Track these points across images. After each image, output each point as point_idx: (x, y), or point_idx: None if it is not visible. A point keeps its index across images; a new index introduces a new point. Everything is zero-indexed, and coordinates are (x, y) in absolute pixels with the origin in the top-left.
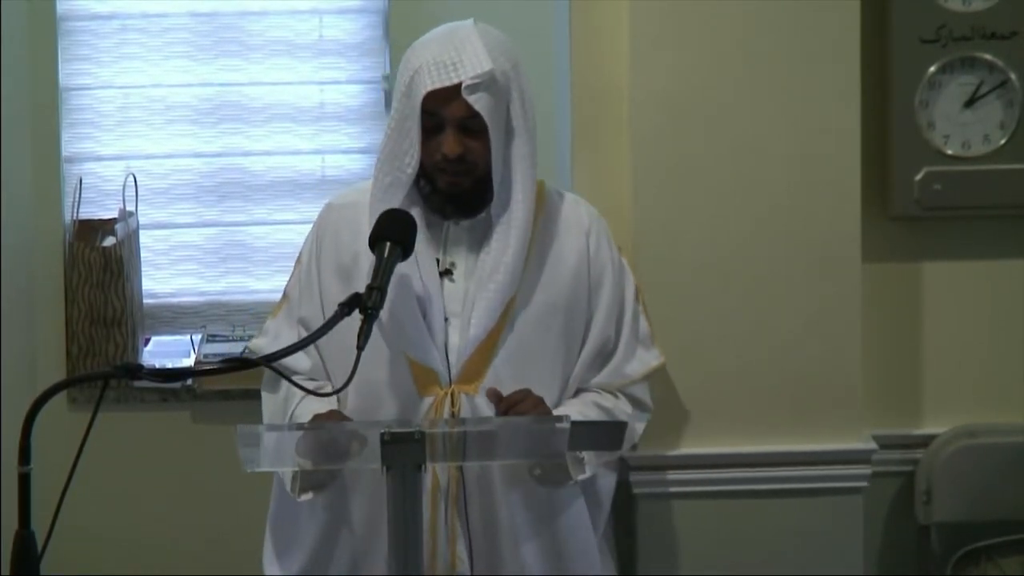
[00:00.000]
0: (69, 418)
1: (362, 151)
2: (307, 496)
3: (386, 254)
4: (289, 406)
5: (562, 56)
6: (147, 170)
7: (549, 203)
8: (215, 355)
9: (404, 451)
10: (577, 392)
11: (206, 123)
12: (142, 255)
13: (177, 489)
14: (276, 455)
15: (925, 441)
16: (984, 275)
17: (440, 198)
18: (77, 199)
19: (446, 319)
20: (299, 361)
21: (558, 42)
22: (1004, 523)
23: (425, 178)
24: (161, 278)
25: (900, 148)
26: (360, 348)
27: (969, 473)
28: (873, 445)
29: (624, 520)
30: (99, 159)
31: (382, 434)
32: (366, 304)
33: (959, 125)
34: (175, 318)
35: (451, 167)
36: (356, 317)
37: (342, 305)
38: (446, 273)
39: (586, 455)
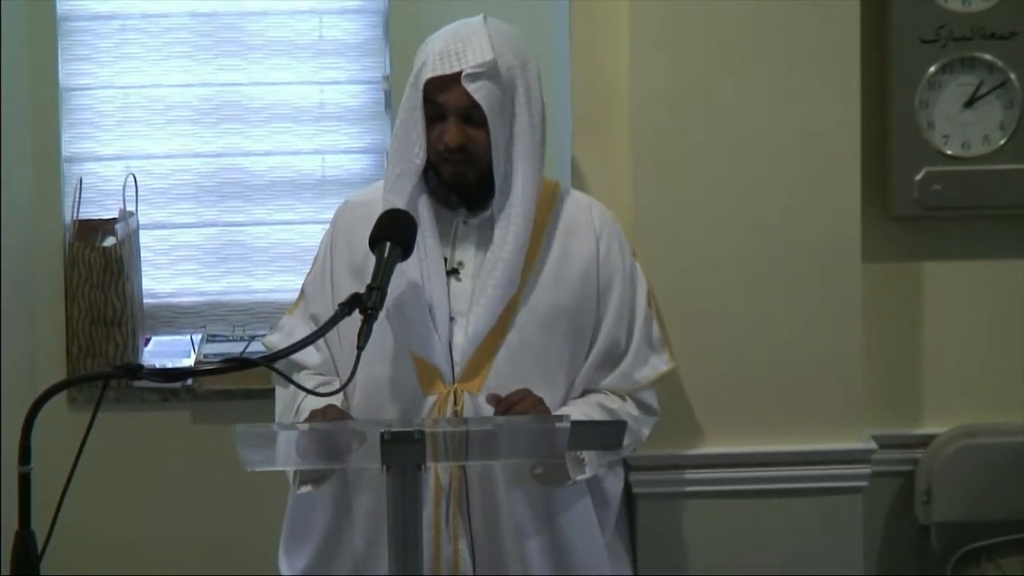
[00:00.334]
0: (69, 418)
1: (362, 151)
2: (306, 489)
3: (386, 254)
4: (297, 399)
5: (562, 56)
6: (147, 170)
7: (561, 204)
8: (215, 355)
9: (404, 450)
10: (584, 392)
11: (206, 123)
12: (142, 255)
13: (177, 489)
14: (277, 456)
15: (925, 441)
16: (984, 275)
17: (445, 189)
18: (77, 199)
19: (452, 318)
20: (309, 356)
21: (558, 42)
22: (1004, 523)
23: (431, 169)
24: (161, 278)
25: (900, 148)
26: (360, 348)
27: (969, 473)
28: (873, 445)
29: (624, 520)
30: (99, 159)
31: (382, 433)
32: (366, 304)
33: (959, 125)
34: (175, 318)
35: (452, 156)
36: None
37: (342, 305)
38: (453, 272)
39: (588, 455)
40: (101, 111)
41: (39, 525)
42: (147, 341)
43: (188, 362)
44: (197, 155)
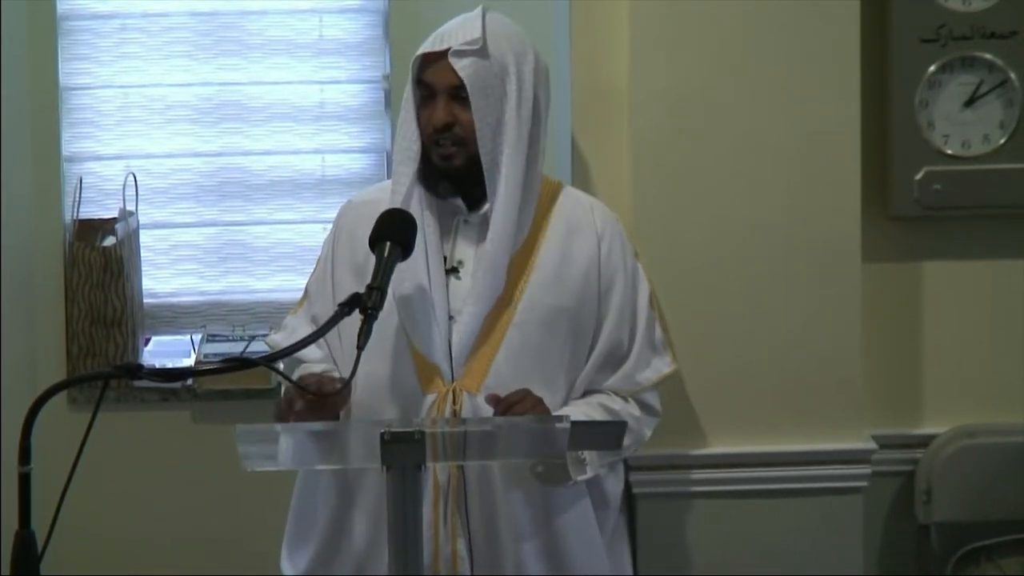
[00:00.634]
0: (69, 418)
1: (362, 150)
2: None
3: (386, 254)
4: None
5: (562, 56)
6: (147, 170)
7: (563, 204)
8: (215, 355)
9: (404, 451)
10: (585, 393)
11: (206, 123)
12: (142, 255)
13: (177, 489)
14: (278, 456)
15: (925, 441)
16: (984, 275)
17: (435, 176)
18: (77, 199)
19: (451, 317)
20: (310, 352)
21: (558, 42)
22: (1004, 523)
23: (424, 157)
24: (161, 278)
25: (900, 148)
26: (360, 348)
27: (969, 473)
28: (873, 445)
29: (625, 520)
30: (99, 159)
31: (382, 434)
32: (366, 304)
33: (959, 125)
34: (175, 318)
35: (441, 138)
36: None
37: (342, 305)
38: (453, 271)
39: (589, 455)
40: (101, 111)
41: (39, 525)
42: (147, 341)
43: (188, 362)
44: (197, 155)
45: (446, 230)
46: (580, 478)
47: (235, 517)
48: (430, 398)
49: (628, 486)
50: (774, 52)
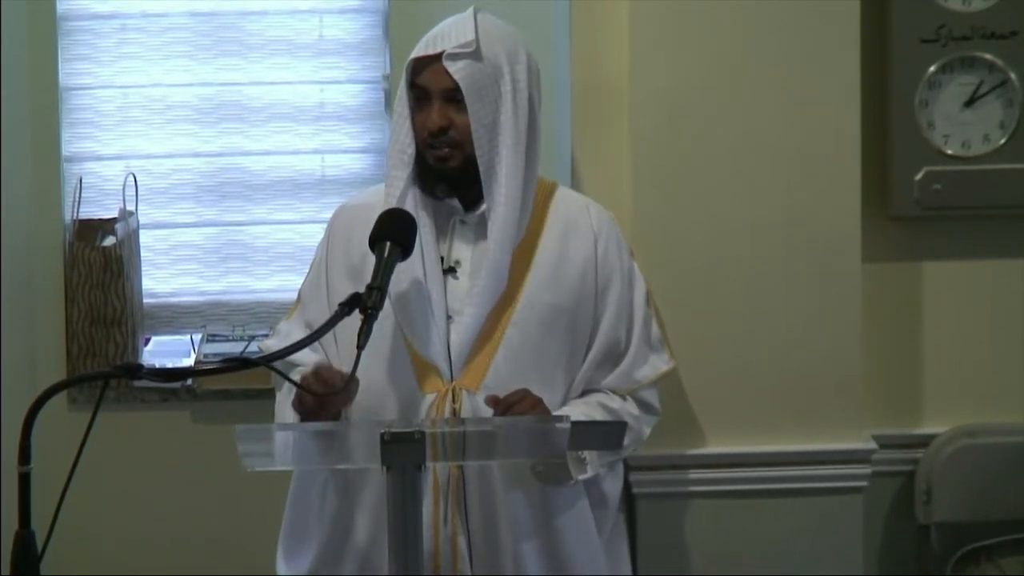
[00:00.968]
0: (69, 418)
1: (362, 151)
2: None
3: (386, 254)
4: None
5: (562, 56)
6: (147, 170)
7: (559, 204)
8: (215, 355)
9: (404, 451)
10: (584, 392)
11: (206, 123)
12: (142, 255)
13: (177, 489)
14: (278, 456)
15: (925, 441)
16: (984, 275)
17: (431, 178)
18: (77, 199)
19: (449, 317)
20: (306, 355)
21: (558, 42)
22: (1004, 523)
23: (419, 158)
24: (161, 278)
25: (900, 148)
26: (360, 348)
27: (969, 473)
28: (873, 445)
29: (624, 520)
30: (99, 159)
31: (382, 434)
32: (366, 304)
33: (959, 125)
34: (175, 318)
35: (436, 141)
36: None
37: (342, 305)
38: (450, 271)
39: (589, 455)
40: (101, 111)
41: (39, 525)
42: (147, 341)
43: (188, 362)
44: (197, 155)
45: (442, 231)
46: (581, 477)
47: (235, 517)
48: (429, 398)
49: (628, 486)
50: (774, 52)
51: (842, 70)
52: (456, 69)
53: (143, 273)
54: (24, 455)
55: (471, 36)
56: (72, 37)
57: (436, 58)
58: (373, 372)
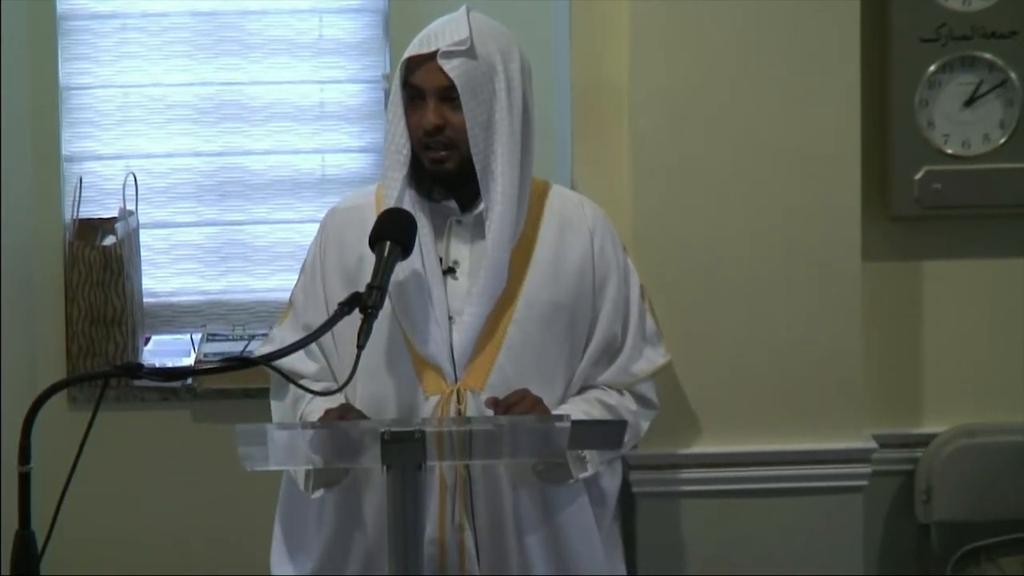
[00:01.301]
0: (69, 418)
1: (362, 150)
2: (319, 493)
3: (386, 253)
4: (298, 409)
5: (562, 56)
6: (147, 169)
7: (553, 201)
8: (215, 354)
9: (404, 450)
10: (582, 389)
11: (206, 122)
12: (142, 254)
13: (177, 488)
14: (278, 455)
15: (925, 441)
16: (984, 275)
17: (428, 180)
18: (77, 198)
19: (450, 317)
20: (303, 365)
21: (558, 42)
22: (1004, 523)
23: (415, 161)
24: (161, 277)
25: (900, 148)
26: (360, 347)
27: (969, 473)
28: (873, 444)
29: (624, 519)
30: (99, 158)
31: (382, 433)
32: (366, 303)
33: (959, 124)
34: (175, 317)
35: (432, 141)
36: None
37: (342, 304)
38: (449, 271)
39: (589, 453)
40: (101, 110)
41: (39, 525)
42: (147, 340)
43: (188, 361)
44: (197, 154)
45: (439, 231)
46: (581, 476)
47: (235, 517)
48: (433, 399)
49: (628, 485)
50: (774, 52)
51: (842, 70)
52: (451, 67)
53: (143, 273)
54: (24, 455)
55: (465, 34)
56: (72, 37)
57: (430, 57)
58: (374, 374)
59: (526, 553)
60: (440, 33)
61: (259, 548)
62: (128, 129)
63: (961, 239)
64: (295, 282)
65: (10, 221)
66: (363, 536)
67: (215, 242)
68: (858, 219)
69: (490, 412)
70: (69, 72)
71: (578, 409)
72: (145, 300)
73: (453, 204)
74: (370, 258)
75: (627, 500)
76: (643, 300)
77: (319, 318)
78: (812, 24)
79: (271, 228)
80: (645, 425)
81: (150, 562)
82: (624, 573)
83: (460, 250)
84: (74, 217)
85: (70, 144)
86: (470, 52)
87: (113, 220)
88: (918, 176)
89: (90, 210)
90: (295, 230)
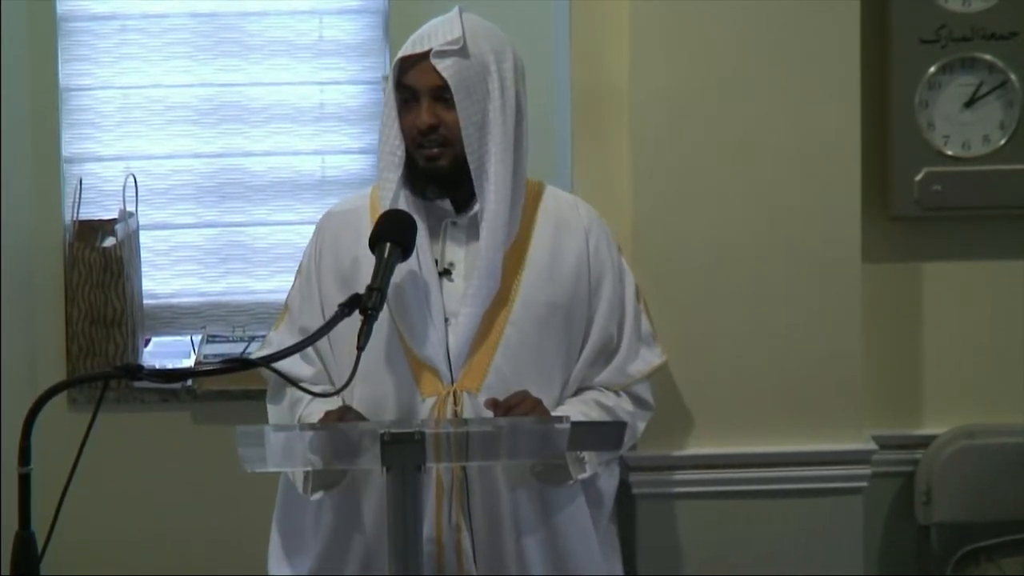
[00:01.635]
0: (69, 418)
1: (362, 151)
2: (318, 495)
3: (386, 255)
4: (296, 412)
5: (562, 56)
6: (147, 170)
7: (547, 202)
8: (215, 355)
9: (404, 452)
10: (578, 390)
11: (206, 123)
12: (142, 255)
13: (177, 489)
14: (278, 456)
15: (925, 441)
16: (984, 275)
17: (422, 180)
18: (77, 199)
19: (446, 319)
20: (300, 369)
21: (558, 42)
22: (1004, 523)
23: (408, 160)
24: (161, 278)
25: (900, 148)
26: (360, 348)
27: (969, 473)
28: (873, 445)
29: (624, 520)
30: (99, 159)
31: (382, 435)
32: (366, 304)
33: (959, 125)
34: (175, 318)
35: (426, 140)
36: (361, 321)
37: (342, 306)
38: (445, 273)
39: (587, 455)
40: (101, 111)
41: (39, 525)
42: (147, 341)
43: (188, 362)
44: (197, 155)
45: (434, 233)
46: (580, 477)
47: (235, 517)
48: (430, 401)
49: (628, 486)
50: (774, 52)
51: (842, 70)
52: (444, 66)
53: (143, 274)
54: (24, 456)
55: (458, 34)
56: (72, 37)
57: (423, 56)
58: (371, 376)
59: (523, 554)
60: (433, 33)
61: (259, 548)
62: (128, 130)
63: (961, 240)
64: (291, 285)
65: (10, 222)
66: (361, 537)
67: (215, 243)
68: (858, 219)
69: (488, 413)
70: (69, 73)
71: (576, 410)
72: (145, 301)
73: (448, 206)
74: (365, 260)
75: (628, 501)
76: (638, 301)
77: (315, 321)
78: (812, 24)
79: (271, 230)
80: (641, 426)
81: (150, 562)
82: (621, 574)
83: (456, 252)
84: (74, 218)
85: (70, 145)
86: (463, 51)
87: (113, 221)
88: (918, 177)
89: (90, 211)
90: (295, 231)
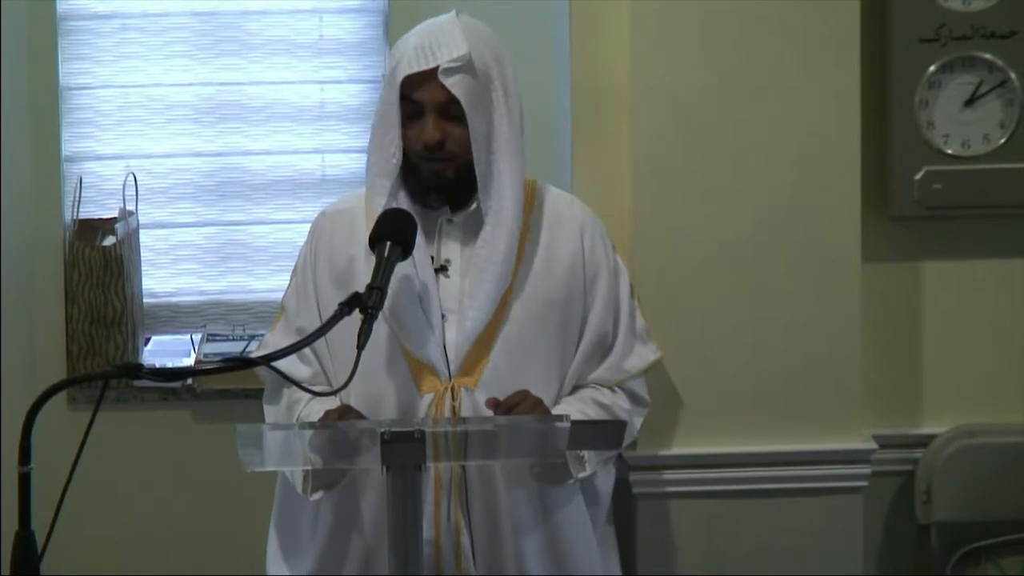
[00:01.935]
0: (69, 418)
1: (362, 150)
2: (318, 495)
3: (386, 253)
4: (293, 412)
5: (562, 56)
6: (147, 169)
7: (543, 200)
8: (215, 354)
9: (404, 450)
10: (575, 389)
11: (206, 122)
12: (142, 254)
13: (177, 488)
14: (278, 455)
15: (925, 441)
16: (984, 275)
17: (425, 188)
18: (77, 198)
19: (443, 315)
20: (297, 370)
21: (558, 42)
22: (1004, 523)
23: (409, 168)
24: (161, 277)
25: (900, 148)
26: (360, 348)
27: (969, 473)
28: (873, 445)
29: (624, 520)
30: (99, 158)
31: (382, 433)
32: (366, 303)
33: (959, 124)
34: (175, 317)
35: (432, 155)
36: (361, 320)
37: (342, 304)
38: (441, 270)
39: (587, 454)
40: (101, 110)
41: (39, 525)
42: (147, 341)
43: (188, 362)
44: (197, 154)
45: (430, 231)
46: (580, 476)
47: (235, 517)
48: (428, 397)
49: (628, 486)
50: (774, 52)
51: (842, 70)
52: (453, 83)
53: (143, 273)
54: (24, 455)
55: (464, 50)
56: (72, 37)
57: (430, 72)
58: (369, 374)
59: (522, 553)
60: (436, 46)
61: (258, 548)
62: (128, 129)
63: (961, 239)
64: (287, 286)
65: (10, 221)
66: (360, 536)
67: (215, 242)
68: (858, 219)
69: (487, 410)
70: (69, 72)
71: (574, 409)
72: (145, 300)
73: (445, 206)
74: (362, 259)
75: (628, 500)
76: (632, 297)
77: (312, 322)
78: (812, 24)
79: (271, 228)
80: (638, 423)
81: (150, 562)
82: (619, 573)
83: (451, 249)
84: (74, 217)
85: (70, 144)
86: (469, 67)
87: (113, 220)
88: (918, 176)
89: (90, 210)
90: (295, 230)
